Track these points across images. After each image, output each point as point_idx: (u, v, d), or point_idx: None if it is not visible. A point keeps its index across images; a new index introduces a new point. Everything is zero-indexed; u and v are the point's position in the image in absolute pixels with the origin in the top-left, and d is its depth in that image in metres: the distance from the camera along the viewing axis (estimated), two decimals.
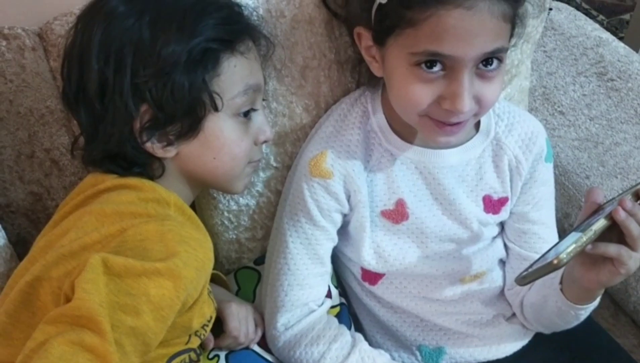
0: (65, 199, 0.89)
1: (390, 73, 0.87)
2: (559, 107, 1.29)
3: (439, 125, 0.85)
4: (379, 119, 0.96)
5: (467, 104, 0.81)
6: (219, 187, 0.97)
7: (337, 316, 1.03)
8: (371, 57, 0.90)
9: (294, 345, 0.99)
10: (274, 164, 1.05)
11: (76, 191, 0.88)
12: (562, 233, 1.26)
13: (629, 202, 0.77)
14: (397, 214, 0.98)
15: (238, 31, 0.88)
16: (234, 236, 1.10)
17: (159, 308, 0.71)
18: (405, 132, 0.95)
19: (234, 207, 1.07)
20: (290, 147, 1.04)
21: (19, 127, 0.98)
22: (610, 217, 0.76)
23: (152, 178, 0.88)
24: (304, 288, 0.99)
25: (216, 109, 0.85)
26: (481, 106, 0.84)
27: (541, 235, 1.02)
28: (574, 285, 0.90)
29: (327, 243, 1.00)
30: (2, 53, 0.96)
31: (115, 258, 0.70)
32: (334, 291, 1.05)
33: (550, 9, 1.30)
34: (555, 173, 1.21)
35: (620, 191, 0.81)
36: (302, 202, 0.96)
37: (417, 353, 1.06)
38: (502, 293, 1.07)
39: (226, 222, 1.08)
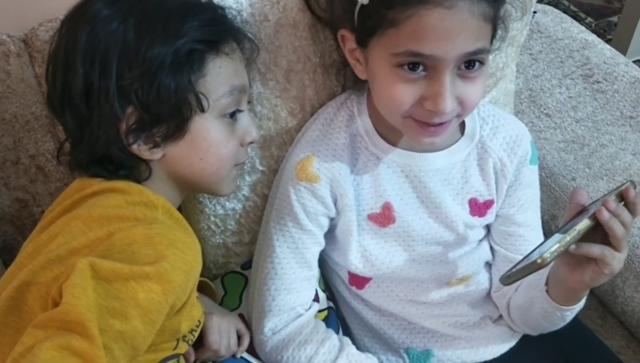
0: (52, 205, 0.88)
1: (374, 74, 0.87)
2: (545, 109, 1.29)
3: (422, 126, 0.85)
4: (364, 123, 0.97)
5: (449, 105, 0.81)
6: (206, 189, 0.96)
7: (325, 320, 1.03)
8: (355, 59, 0.90)
9: (281, 350, 0.98)
10: (260, 168, 1.05)
11: (63, 196, 0.88)
12: (550, 235, 1.27)
13: (612, 203, 0.77)
14: (383, 217, 0.98)
15: (222, 32, 0.88)
16: (221, 241, 1.09)
17: (147, 312, 0.71)
18: (391, 136, 0.96)
19: (221, 211, 1.06)
20: (276, 150, 1.04)
21: (4, 133, 0.98)
22: (594, 217, 0.76)
23: (139, 180, 0.87)
24: (291, 292, 0.99)
25: (202, 110, 0.85)
26: (464, 107, 0.85)
27: (526, 237, 1.02)
28: (559, 285, 0.90)
29: (314, 247, 1.00)
30: None
31: (102, 262, 0.70)
32: (322, 295, 1.05)
33: (535, 12, 1.31)
34: (541, 175, 1.22)
35: (605, 193, 0.82)
36: (289, 206, 0.96)
37: (405, 356, 1.06)
38: (488, 295, 1.07)
39: (213, 226, 1.08)
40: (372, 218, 0.98)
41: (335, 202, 0.97)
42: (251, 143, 0.93)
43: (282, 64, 0.99)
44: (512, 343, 1.07)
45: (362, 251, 0.99)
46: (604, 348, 1.10)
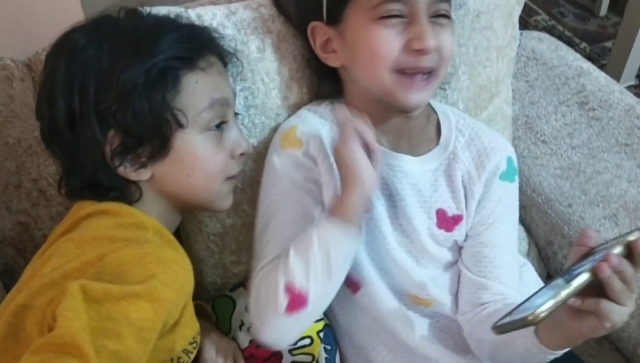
0: (54, 229, 0.89)
1: (355, 41, 0.91)
2: (541, 136, 1.30)
3: (410, 80, 0.89)
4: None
5: (433, 41, 0.87)
6: (201, 206, 0.96)
7: (325, 334, 1.02)
8: (328, 51, 0.95)
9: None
10: (260, 180, 1.03)
11: (63, 219, 0.89)
12: (546, 261, 1.29)
13: (614, 258, 0.72)
14: None
15: (197, 48, 0.89)
16: (219, 261, 1.09)
17: (140, 330, 0.72)
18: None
19: (220, 229, 1.07)
20: None
21: (7, 157, 0.99)
22: (594, 272, 0.72)
23: (130, 202, 0.88)
24: (291, 240, 0.91)
25: (181, 126, 0.86)
26: (440, 55, 0.90)
27: (492, 258, 0.99)
28: (554, 330, 0.84)
29: (317, 205, 0.96)
30: None
31: (93, 284, 0.71)
32: None
33: (521, 33, 1.31)
34: (538, 201, 1.24)
35: (616, 236, 0.78)
36: (277, 176, 0.96)
37: None
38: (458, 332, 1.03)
39: (211, 246, 1.08)
40: None
41: (317, 165, 0.96)
42: (242, 154, 0.94)
43: (284, 72, 1.02)
44: None
45: None
46: None
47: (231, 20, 1.00)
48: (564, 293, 0.71)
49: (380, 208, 0.98)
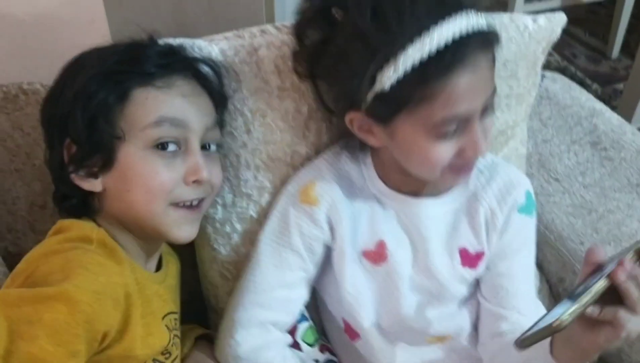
0: None
1: (405, 145, 0.88)
2: (554, 174, 1.31)
3: (458, 172, 0.90)
4: (368, 167, 1.00)
5: (485, 146, 0.87)
6: (151, 229, 0.90)
7: None
8: (366, 132, 0.91)
9: (246, 360, 0.99)
10: None
11: None
12: (557, 298, 1.28)
13: (628, 263, 0.75)
14: (377, 255, 0.99)
15: (162, 66, 0.89)
16: (233, 288, 1.08)
17: (55, 333, 0.71)
18: (392, 182, 0.99)
19: (234, 258, 1.08)
20: None
21: (33, 178, 1.01)
22: (610, 277, 0.74)
23: (93, 213, 0.90)
24: (265, 309, 1.00)
25: (117, 138, 0.85)
26: (486, 136, 0.89)
27: (509, 289, 1.01)
28: (568, 346, 0.86)
29: (299, 271, 1.00)
30: (21, 107, 1.00)
31: (10, 290, 0.74)
32: (306, 348, 1.05)
33: (544, 76, 1.34)
34: (550, 238, 1.25)
35: (622, 250, 0.80)
36: (285, 225, 0.99)
37: None
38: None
39: (225, 273, 1.09)
40: (366, 254, 0.99)
41: (331, 229, 0.99)
42: (196, 182, 0.90)
43: (304, 111, 1.03)
44: None
45: (356, 292, 1.00)
46: None
47: (253, 59, 1.00)
48: (585, 299, 0.72)
49: (400, 257, 1.00)
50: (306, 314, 1.11)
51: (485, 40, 0.83)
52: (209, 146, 0.94)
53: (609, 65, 2.80)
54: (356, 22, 0.82)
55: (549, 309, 0.98)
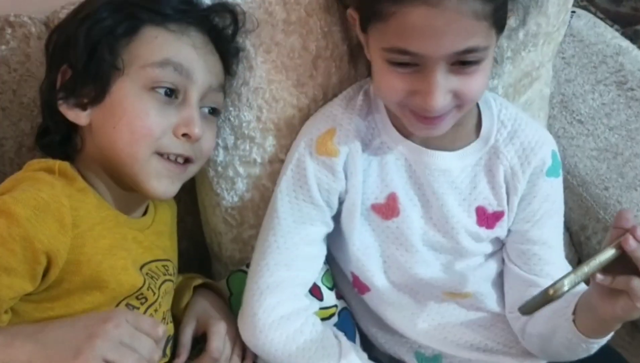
0: None
1: (372, 61, 0.87)
2: (577, 115, 1.27)
3: (418, 118, 0.85)
4: (379, 110, 0.96)
5: (438, 101, 0.81)
6: (129, 175, 0.87)
7: (339, 321, 1.01)
8: (365, 42, 0.89)
9: (274, 331, 0.92)
10: (281, 157, 1.02)
11: None
12: (578, 246, 1.25)
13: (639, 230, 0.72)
14: (387, 209, 0.95)
15: (180, 12, 0.88)
16: (238, 235, 1.07)
17: None
18: (404, 128, 0.94)
19: (238, 203, 1.04)
20: None
21: (21, 118, 0.97)
22: (620, 246, 0.72)
23: (73, 153, 0.89)
24: (291, 269, 0.95)
25: (116, 69, 0.84)
26: (462, 99, 0.84)
27: (542, 256, 0.97)
28: (589, 315, 0.85)
29: (321, 225, 0.96)
30: (6, 41, 0.96)
31: None
32: (327, 293, 1.02)
33: (573, 12, 1.28)
34: (573, 183, 1.21)
35: None
36: (303, 178, 0.94)
37: (414, 360, 1.03)
38: (502, 321, 1.02)
39: (229, 219, 1.06)
40: (375, 208, 0.96)
41: (346, 180, 0.95)
42: (185, 136, 0.87)
43: (311, 49, 0.98)
44: None
45: (364, 249, 0.97)
46: None
47: None
48: (587, 267, 0.72)
49: (413, 212, 0.96)
50: None
51: None
52: (208, 110, 0.93)
53: (630, 5, 2.71)
54: None
55: (570, 260, 0.96)
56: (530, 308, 0.75)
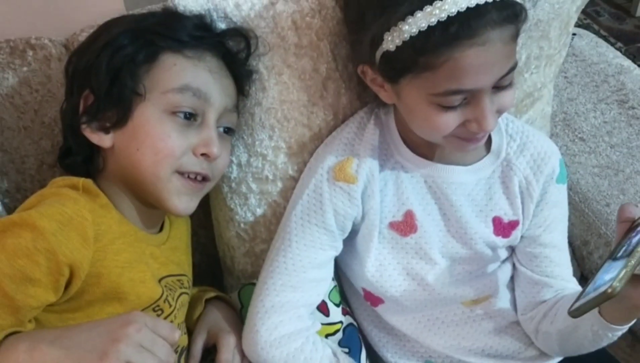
0: None
1: (410, 108, 0.88)
2: (579, 133, 1.29)
3: (464, 140, 0.88)
4: (392, 132, 0.98)
5: (492, 123, 0.84)
6: (151, 194, 0.90)
7: (344, 337, 1.02)
8: (378, 86, 0.91)
9: (275, 349, 0.95)
10: (292, 174, 1.04)
11: None
12: (580, 261, 1.26)
13: None
14: (405, 226, 0.98)
15: (196, 38, 0.91)
16: (250, 249, 1.09)
17: (14, 256, 0.73)
18: (417, 147, 0.96)
19: (251, 218, 1.06)
20: (309, 157, 1.03)
21: (42, 136, 0.99)
22: None
23: (94, 172, 0.91)
24: (297, 291, 0.97)
25: (138, 95, 0.86)
26: (501, 113, 0.88)
27: (553, 258, 1.01)
28: (617, 304, 0.84)
29: (330, 250, 0.98)
30: (28, 63, 0.98)
31: None
32: (334, 309, 1.03)
33: (574, 34, 1.30)
34: (575, 200, 1.22)
35: None
36: (319, 204, 0.96)
37: None
38: (514, 324, 1.04)
39: (242, 234, 1.07)
40: (393, 226, 0.98)
41: (364, 204, 0.97)
42: (205, 155, 0.90)
43: (321, 70, 1.00)
44: None
45: (378, 266, 0.98)
46: None
47: (270, 13, 0.97)
48: (633, 261, 0.73)
49: (431, 226, 0.98)
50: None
51: (506, 13, 0.79)
52: (224, 129, 0.95)
53: (633, 23, 2.74)
54: None
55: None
56: (582, 311, 0.76)
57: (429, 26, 0.77)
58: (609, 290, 0.71)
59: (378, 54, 0.84)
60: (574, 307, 0.77)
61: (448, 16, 0.76)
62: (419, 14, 0.77)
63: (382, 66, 0.85)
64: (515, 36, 0.83)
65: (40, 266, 0.74)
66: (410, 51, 0.80)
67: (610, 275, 0.73)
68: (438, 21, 0.77)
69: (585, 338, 0.94)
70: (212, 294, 1.04)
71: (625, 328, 0.91)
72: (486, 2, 0.77)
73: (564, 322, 0.96)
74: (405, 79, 0.84)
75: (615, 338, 0.92)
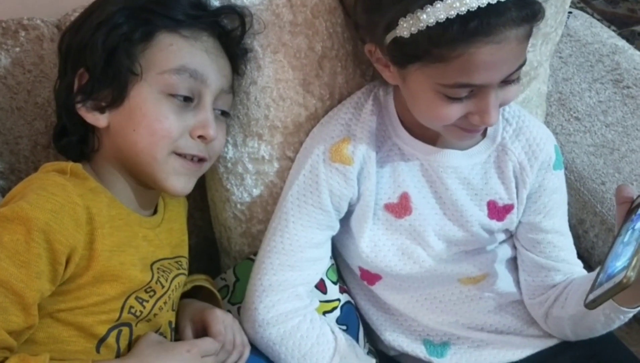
0: None
1: (414, 93, 0.88)
2: (574, 113, 1.29)
3: (464, 130, 0.89)
4: (390, 113, 0.98)
5: (495, 118, 0.85)
6: (147, 174, 0.89)
7: (342, 315, 1.03)
8: (383, 66, 0.91)
9: (272, 327, 0.96)
10: (288, 154, 1.04)
11: None
12: (576, 240, 1.26)
13: None
14: (400, 208, 0.98)
15: (192, 17, 0.90)
16: (247, 229, 1.08)
17: (15, 253, 0.73)
18: (415, 130, 0.96)
19: (247, 199, 1.06)
20: (305, 137, 1.03)
21: (36, 117, 0.98)
22: None
23: (89, 153, 0.91)
24: (295, 270, 0.98)
25: (134, 74, 0.86)
26: (503, 105, 0.88)
27: (556, 243, 1.02)
28: (629, 288, 0.85)
29: (327, 230, 0.99)
30: (21, 43, 0.97)
31: None
32: (331, 287, 1.04)
33: (570, 12, 1.30)
34: (570, 179, 1.23)
35: None
36: (315, 185, 0.96)
37: (423, 347, 1.05)
38: (513, 303, 1.05)
39: (239, 214, 1.07)
40: (388, 208, 0.98)
41: (359, 185, 0.97)
42: (201, 138, 0.90)
43: (317, 49, 1.00)
44: (538, 349, 1.05)
45: (373, 247, 0.99)
46: (633, 358, 1.07)
47: None
48: None
49: (426, 209, 0.98)
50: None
51: (525, 12, 0.79)
52: (220, 112, 0.95)
53: (627, 6, 2.73)
54: None
55: None
56: (599, 302, 0.76)
57: (447, 18, 0.77)
58: (624, 280, 0.71)
59: (389, 37, 0.83)
60: (589, 299, 0.77)
61: (468, 10, 0.76)
62: (438, 5, 0.77)
63: (392, 50, 0.85)
64: (529, 35, 0.83)
65: (41, 257, 0.74)
66: (424, 40, 0.79)
67: (621, 262, 0.73)
68: (457, 14, 0.76)
69: (597, 322, 0.95)
70: (200, 283, 1.03)
71: (637, 309, 0.91)
72: (507, 0, 0.77)
73: (575, 307, 0.97)
74: (414, 65, 0.84)
75: (627, 319, 0.94)
